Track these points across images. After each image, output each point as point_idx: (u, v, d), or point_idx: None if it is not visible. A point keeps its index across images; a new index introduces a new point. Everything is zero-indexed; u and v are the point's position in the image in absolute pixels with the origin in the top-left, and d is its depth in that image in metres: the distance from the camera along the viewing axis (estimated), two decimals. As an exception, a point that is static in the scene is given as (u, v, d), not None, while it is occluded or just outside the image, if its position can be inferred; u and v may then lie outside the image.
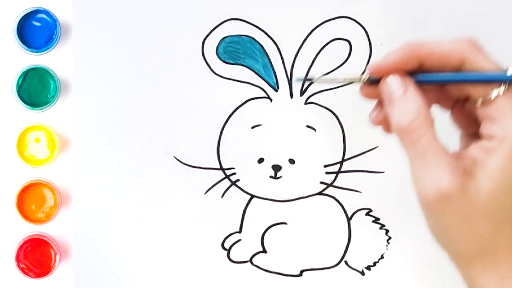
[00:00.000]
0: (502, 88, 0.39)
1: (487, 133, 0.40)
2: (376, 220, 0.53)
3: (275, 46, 0.53)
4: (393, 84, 0.40)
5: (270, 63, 0.53)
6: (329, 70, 0.53)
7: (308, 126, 0.53)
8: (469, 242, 0.41)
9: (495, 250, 0.41)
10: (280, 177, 0.53)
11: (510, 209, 0.40)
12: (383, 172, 0.53)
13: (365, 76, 0.40)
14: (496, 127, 0.40)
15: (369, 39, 0.53)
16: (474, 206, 0.40)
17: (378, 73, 0.40)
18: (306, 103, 0.53)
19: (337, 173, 0.53)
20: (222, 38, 0.53)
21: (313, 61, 0.53)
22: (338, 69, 0.53)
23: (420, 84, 0.40)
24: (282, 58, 0.53)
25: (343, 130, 0.53)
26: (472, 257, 0.42)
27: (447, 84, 0.41)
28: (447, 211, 0.40)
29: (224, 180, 0.53)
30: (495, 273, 0.41)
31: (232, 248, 0.53)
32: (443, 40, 0.40)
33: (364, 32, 0.53)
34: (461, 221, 0.40)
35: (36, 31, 0.52)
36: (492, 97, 0.40)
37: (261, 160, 0.53)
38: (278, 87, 0.53)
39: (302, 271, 0.53)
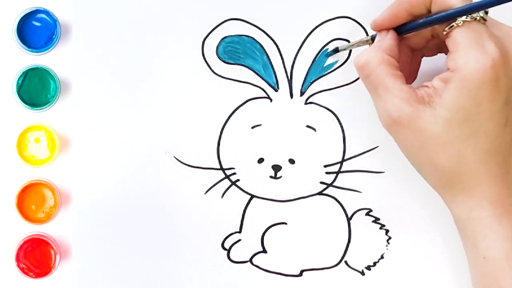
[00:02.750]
0: (459, 21, 0.43)
1: (447, 65, 0.43)
2: (376, 220, 0.53)
3: (275, 46, 0.53)
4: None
5: (270, 63, 0.53)
6: (329, 70, 0.53)
7: (308, 126, 0.53)
8: (432, 170, 0.45)
9: (461, 180, 0.44)
10: (280, 177, 0.53)
11: (467, 139, 0.43)
12: (383, 172, 0.53)
13: (371, 36, 0.48)
14: (450, 59, 0.44)
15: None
16: (431, 135, 0.43)
17: (376, 28, 0.47)
18: (306, 103, 0.53)
19: (337, 173, 0.53)
20: (222, 38, 0.53)
21: (313, 61, 0.53)
22: (338, 69, 0.53)
23: (401, 34, 0.47)
24: (282, 58, 0.53)
25: (343, 130, 0.53)
26: (440, 185, 0.46)
27: (419, 29, 0.46)
28: (403, 136, 0.44)
29: (224, 180, 0.53)
30: (464, 202, 0.45)
31: (232, 248, 0.53)
32: None
33: (364, 32, 0.53)
34: (420, 148, 0.44)
35: (36, 31, 0.52)
36: (445, 33, 0.44)
37: (261, 160, 0.53)
38: (278, 87, 0.53)
39: (302, 271, 0.53)
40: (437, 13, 0.44)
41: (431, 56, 0.49)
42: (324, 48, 0.53)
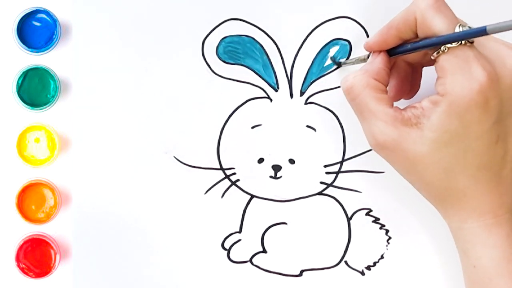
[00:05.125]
0: (444, 48, 0.43)
1: (436, 89, 0.44)
2: (376, 220, 0.53)
3: (275, 46, 0.53)
4: None
5: (270, 63, 0.53)
6: (329, 70, 0.53)
7: (308, 126, 0.53)
8: (423, 186, 0.46)
9: (451, 195, 0.45)
10: (280, 177, 0.53)
11: (455, 158, 0.44)
12: (383, 172, 0.53)
13: (368, 54, 0.48)
14: (438, 84, 0.45)
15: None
16: (419, 156, 0.44)
17: (369, 50, 0.48)
18: (306, 103, 0.53)
19: (337, 173, 0.53)
20: (222, 38, 0.53)
21: (313, 61, 0.53)
22: (338, 69, 0.53)
23: (392, 56, 0.47)
24: (282, 58, 0.53)
25: (343, 130, 0.53)
26: (432, 199, 0.47)
27: (408, 53, 0.46)
28: (391, 158, 0.45)
29: (224, 180, 0.53)
30: (455, 214, 0.46)
31: (232, 248, 0.53)
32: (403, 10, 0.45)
33: (364, 32, 0.53)
34: (408, 168, 0.45)
35: (36, 31, 0.52)
36: (433, 58, 0.44)
37: (261, 160, 0.53)
38: (278, 87, 0.53)
39: (302, 271, 0.53)
40: (422, 39, 0.44)
41: (431, 65, 0.49)
42: (326, 47, 0.53)
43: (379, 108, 0.44)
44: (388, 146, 0.44)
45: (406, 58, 0.48)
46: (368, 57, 0.48)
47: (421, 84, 0.50)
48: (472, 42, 0.42)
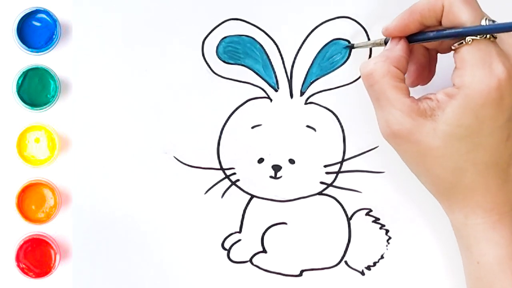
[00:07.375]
0: (468, 39, 0.43)
1: (452, 80, 0.44)
2: (376, 220, 0.53)
3: (275, 46, 0.53)
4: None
5: (270, 63, 0.53)
6: (329, 70, 0.53)
7: (308, 126, 0.53)
8: (430, 179, 0.46)
9: (457, 190, 0.45)
10: (280, 177, 0.53)
11: (467, 153, 0.44)
12: (383, 172, 0.53)
13: (385, 39, 0.48)
14: (456, 76, 0.44)
15: (369, 39, 0.53)
16: (430, 148, 0.44)
17: (388, 35, 0.47)
18: (306, 103, 0.53)
19: (337, 173, 0.53)
20: (222, 38, 0.53)
21: (313, 61, 0.53)
22: (338, 69, 0.53)
23: (412, 43, 0.47)
24: (282, 58, 0.53)
25: (343, 130, 0.53)
26: (438, 194, 0.47)
27: (429, 41, 0.46)
28: (402, 148, 0.45)
29: (224, 180, 0.53)
30: (460, 210, 0.46)
31: (232, 248, 0.53)
32: None
33: (364, 32, 0.53)
34: (419, 158, 0.45)
35: (36, 31, 0.52)
36: (453, 48, 0.44)
37: (261, 160, 0.53)
38: (278, 87, 0.53)
39: (302, 271, 0.53)
40: (447, 29, 0.44)
41: (446, 53, 0.48)
42: (326, 47, 0.53)
43: (396, 96, 0.44)
44: (402, 136, 0.44)
45: (425, 44, 0.48)
46: (384, 42, 0.48)
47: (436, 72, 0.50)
48: (495, 38, 0.43)
